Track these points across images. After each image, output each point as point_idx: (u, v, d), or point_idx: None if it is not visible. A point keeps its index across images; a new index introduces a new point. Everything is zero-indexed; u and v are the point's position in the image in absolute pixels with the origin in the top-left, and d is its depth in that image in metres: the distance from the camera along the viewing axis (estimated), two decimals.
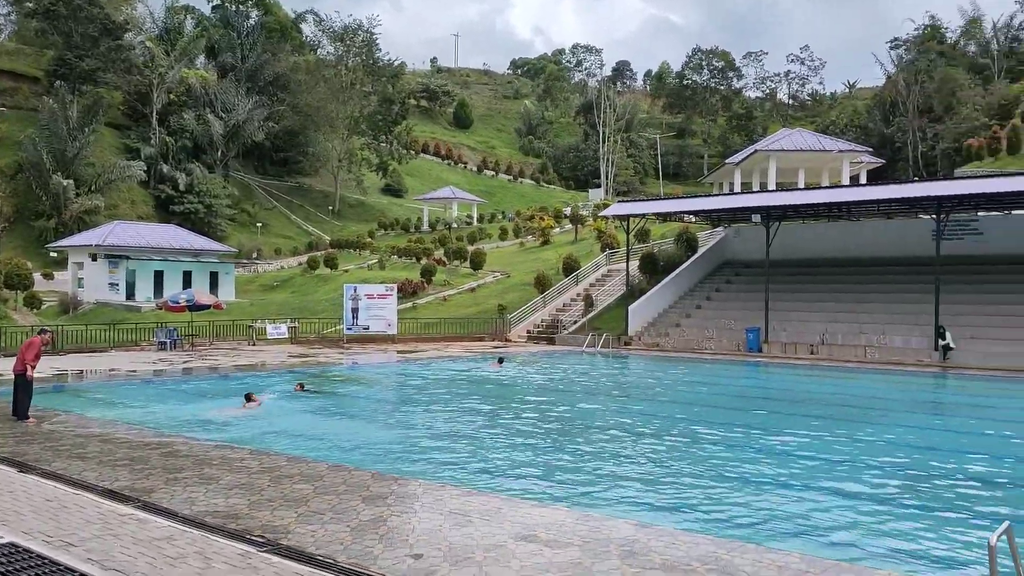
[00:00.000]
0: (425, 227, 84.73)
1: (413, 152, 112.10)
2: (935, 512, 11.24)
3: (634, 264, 46.04)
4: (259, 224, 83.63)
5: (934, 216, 33.71)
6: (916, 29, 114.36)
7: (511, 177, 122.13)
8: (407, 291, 50.60)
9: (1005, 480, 13.28)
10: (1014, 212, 37.81)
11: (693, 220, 50.11)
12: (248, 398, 19.72)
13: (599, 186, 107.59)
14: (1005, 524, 6.79)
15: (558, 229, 68.84)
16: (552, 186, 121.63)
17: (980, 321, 33.06)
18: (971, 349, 31.46)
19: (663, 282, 43.51)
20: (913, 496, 12.15)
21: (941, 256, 33.39)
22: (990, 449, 16.06)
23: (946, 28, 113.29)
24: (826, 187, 51.98)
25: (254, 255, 76.05)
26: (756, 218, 40.03)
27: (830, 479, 13.16)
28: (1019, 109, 73.50)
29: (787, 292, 38.95)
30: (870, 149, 71.10)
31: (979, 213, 37.84)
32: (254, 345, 38.77)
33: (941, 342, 31.73)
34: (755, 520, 10.67)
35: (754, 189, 60.78)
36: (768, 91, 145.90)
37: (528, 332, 44.52)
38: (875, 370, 30.76)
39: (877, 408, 22.12)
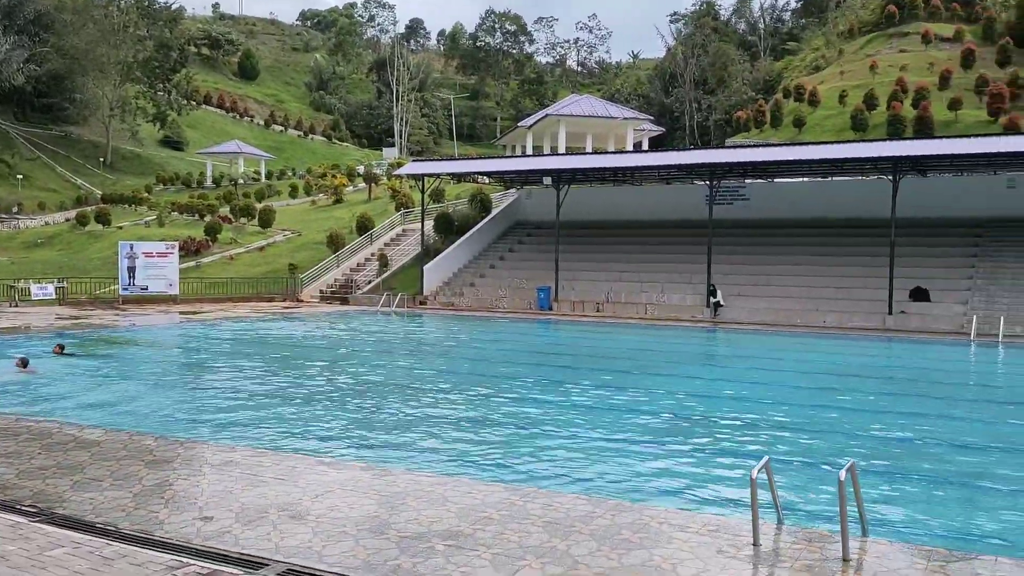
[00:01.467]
0: (209, 183, 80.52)
1: (194, 103, 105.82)
2: (705, 452, 12.21)
3: (429, 224, 46.17)
4: (20, 176, 76.11)
5: (707, 182, 36.15)
6: (694, 5, 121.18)
7: (301, 133, 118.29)
8: (190, 250, 48.05)
9: (764, 420, 14.62)
10: (776, 180, 41.26)
11: (487, 181, 50.84)
12: (22, 363, 18.08)
13: (393, 145, 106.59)
14: (764, 459, 7.48)
15: (351, 188, 67.65)
16: (345, 144, 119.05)
17: (746, 280, 35.97)
18: (738, 305, 34.20)
19: (458, 242, 43.97)
20: (685, 438, 13.13)
21: (713, 220, 35.90)
22: (752, 394, 17.61)
23: (720, 5, 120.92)
24: (612, 152, 54.37)
25: (14, 209, 69.25)
26: (547, 181, 41.27)
27: (613, 426, 13.95)
28: (781, 85, 79.89)
29: (576, 253, 40.53)
30: (652, 117, 75.00)
31: (746, 180, 40.98)
32: (16, 307, 35.50)
33: (712, 299, 34.27)
34: (546, 468, 11.13)
35: (545, 152, 62.48)
36: (558, 57, 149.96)
37: (321, 292, 43.66)
38: (654, 326, 32.77)
39: (655, 361, 23.64)
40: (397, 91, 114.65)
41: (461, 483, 9.41)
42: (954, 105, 54.72)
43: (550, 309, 37.43)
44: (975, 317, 29.31)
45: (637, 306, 36.13)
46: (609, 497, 9.17)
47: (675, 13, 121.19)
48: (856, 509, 7.49)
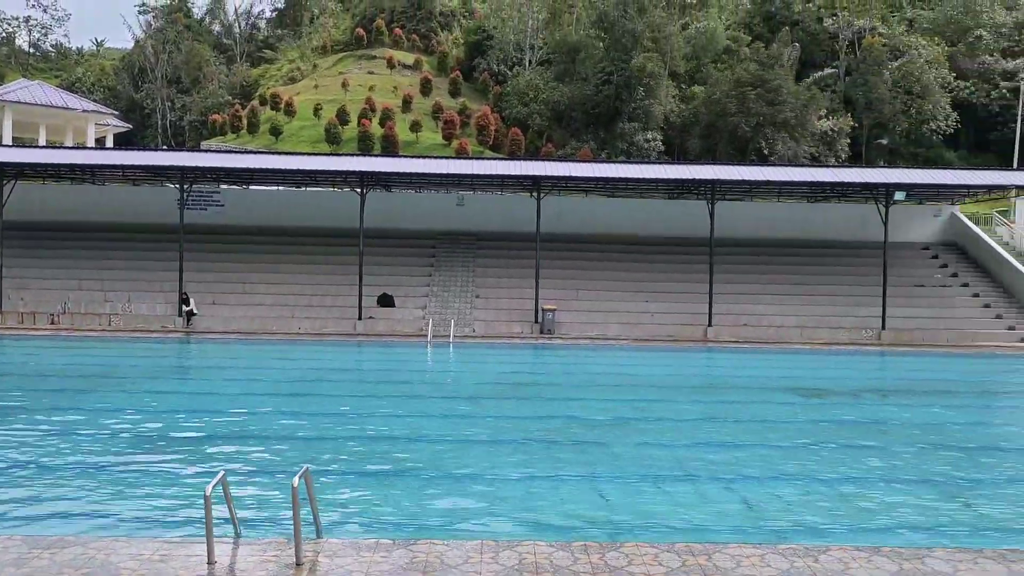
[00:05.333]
0: None
1: None
2: (164, 472, 11.61)
3: None
4: None
5: (179, 186, 34.73)
6: None
7: None
8: None
9: (229, 432, 14.44)
10: (252, 187, 41.26)
11: None
12: None
13: None
14: (220, 473, 7.34)
15: None
16: None
17: (223, 288, 35.30)
18: (214, 314, 33.42)
19: None
20: (144, 459, 12.36)
21: (186, 225, 34.57)
22: (217, 406, 17.27)
23: (193, 3, 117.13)
24: (70, 147, 49.33)
25: None
26: None
27: (62, 453, 12.60)
28: (258, 92, 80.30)
29: (25, 257, 35.91)
30: (118, 112, 69.83)
31: (222, 186, 40.27)
32: None
33: (185, 308, 32.98)
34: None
35: None
36: (5, 35, 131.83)
37: None
38: (120, 338, 30.41)
39: (115, 376, 21.96)
40: None
41: None
42: (415, 127, 60.33)
43: None
44: (431, 320, 32.58)
45: (100, 317, 33.24)
46: (53, 533, 8.21)
47: (144, 4, 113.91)
48: (312, 513, 7.74)
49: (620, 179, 34.93)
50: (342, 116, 61.65)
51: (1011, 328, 33.83)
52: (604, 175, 34.49)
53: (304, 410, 17.05)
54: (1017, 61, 68.74)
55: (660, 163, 42.56)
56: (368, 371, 25.26)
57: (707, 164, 38.58)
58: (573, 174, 34.12)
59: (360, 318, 33.40)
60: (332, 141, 58.65)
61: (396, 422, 15.80)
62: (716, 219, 34.17)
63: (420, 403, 18.46)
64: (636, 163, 41.72)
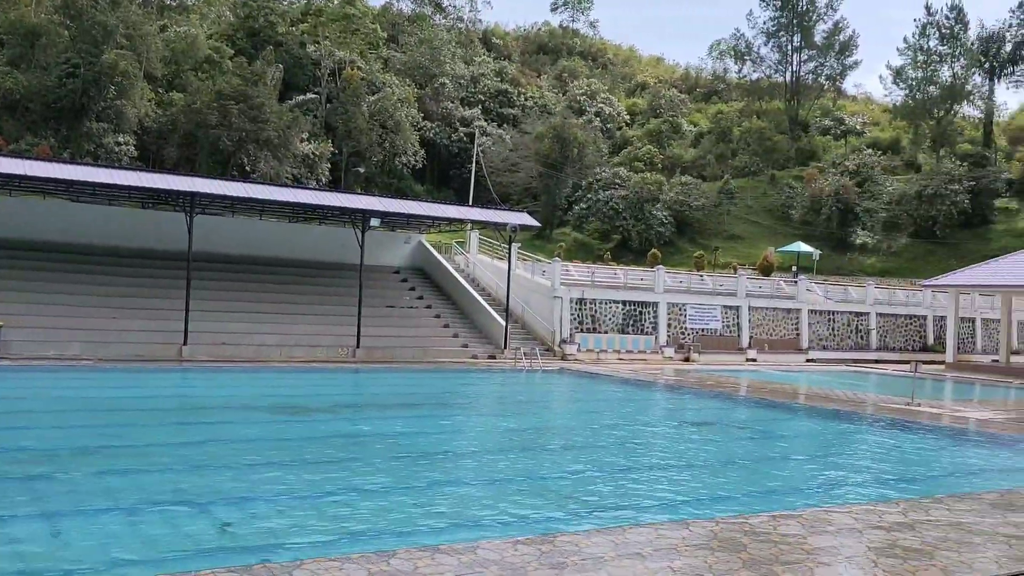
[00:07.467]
0: None
1: None
2: None
3: None
4: None
5: None
6: None
7: None
8: None
9: None
10: None
11: None
12: None
13: None
14: None
15: None
16: None
17: None
18: None
19: None
20: None
21: None
22: None
23: None
24: None
25: None
26: None
27: None
28: None
29: None
30: None
31: None
32: None
33: None
34: None
35: None
36: None
37: None
38: None
39: None
40: None
41: None
42: None
43: None
44: None
45: None
46: None
47: None
48: None
49: (87, 183, 31.67)
50: None
51: (465, 346, 38.00)
52: (68, 177, 30.90)
53: None
54: (472, 110, 78.62)
55: (133, 169, 39.61)
56: None
57: (186, 176, 36.83)
58: (30, 173, 30.08)
59: None
60: None
61: None
62: (196, 233, 32.78)
63: None
64: (106, 167, 38.25)
